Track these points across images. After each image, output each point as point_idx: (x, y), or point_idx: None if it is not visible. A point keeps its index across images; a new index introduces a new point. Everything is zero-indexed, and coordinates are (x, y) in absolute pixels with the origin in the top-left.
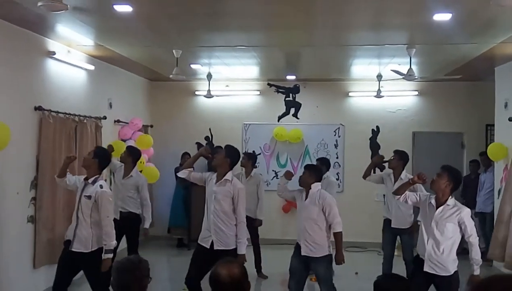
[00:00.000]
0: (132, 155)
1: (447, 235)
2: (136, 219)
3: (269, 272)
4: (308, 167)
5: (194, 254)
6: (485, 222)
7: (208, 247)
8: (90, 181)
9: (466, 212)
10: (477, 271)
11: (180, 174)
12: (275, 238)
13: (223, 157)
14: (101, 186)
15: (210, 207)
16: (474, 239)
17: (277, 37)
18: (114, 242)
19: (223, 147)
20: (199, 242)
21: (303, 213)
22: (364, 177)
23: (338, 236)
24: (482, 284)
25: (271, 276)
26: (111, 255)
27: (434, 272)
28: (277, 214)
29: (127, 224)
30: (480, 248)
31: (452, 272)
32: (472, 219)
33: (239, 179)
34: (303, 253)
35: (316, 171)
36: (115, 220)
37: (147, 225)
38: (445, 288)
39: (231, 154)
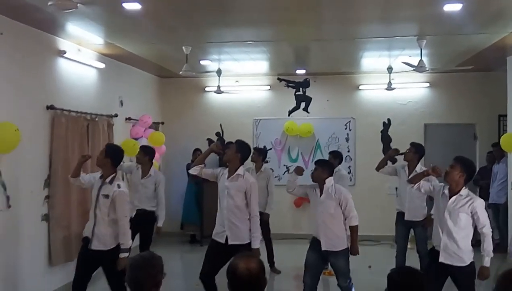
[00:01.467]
0: (148, 154)
1: (460, 225)
2: (151, 216)
3: (282, 266)
4: (320, 163)
5: (208, 249)
6: (498, 214)
7: (223, 242)
8: (107, 180)
9: (479, 202)
10: (487, 263)
11: (191, 171)
12: (287, 233)
13: (234, 152)
14: (118, 186)
15: (223, 202)
16: (487, 230)
17: (286, 32)
18: (131, 242)
19: (234, 143)
20: (213, 237)
21: (320, 208)
22: (378, 169)
23: (354, 229)
24: (505, 273)
25: (284, 271)
26: (127, 254)
27: (449, 263)
28: (289, 208)
29: (142, 222)
30: (493, 239)
31: (468, 263)
32: (486, 210)
33: None
34: (323, 248)
35: (329, 165)
36: (130, 218)
37: (160, 223)
38: (462, 279)
39: (242, 149)
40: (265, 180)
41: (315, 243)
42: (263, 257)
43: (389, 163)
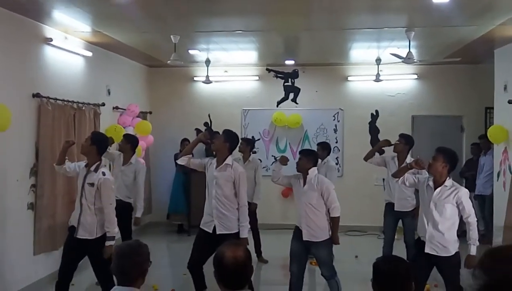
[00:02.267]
0: (131, 142)
1: (446, 215)
2: (128, 208)
3: (270, 256)
4: (304, 153)
5: (196, 239)
6: (484, 205)
7: (211, 231)
8: (92, 168)
9: (464, 192)
10: (473, 251)
11: (179, 161)
12: (275, 223)
13: (222, 142)
14: (103, 173)
15: (211, 192)
16: (472, 219)
17: (275, 22)
18: (117, 229)
19: (222, 132)
20: (201, 226)
21: (302, 198)
22: (366, 158)
23: (335, 220)
24: (490, 251)
25: (272, 261)
26: (113, 242)
27: (435, 253)
28: (277, 198)
29: (118, 213)
30: (479, 230)
31: (453, 253)
32: (472, 201)
33: None
34: (305, 238)
35: (314, 155)
36: None
37: (138, 214)
38: (447, 269)
39: (230, 138)
40: (252, 170)
41: (298, 232)
42: (251, 246)
43: (376, 153)
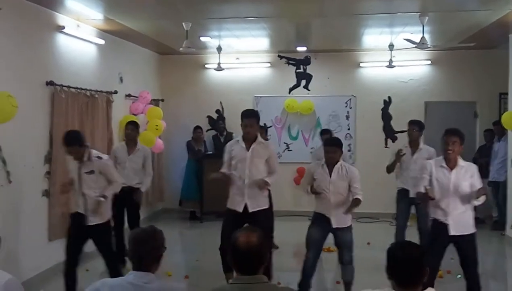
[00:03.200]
0: (138, 128)
1: (466, 194)
2: (138, 192)
3: (282, 243)
4: (336, 143)
5: (226, 220)
6: (498, 191)
7: (241, 210)
8: (84, 158)
9: (474, 166)
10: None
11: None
12: (287, 210)
13: (256, 124)
14: (99, 157)
15: (243, 172)
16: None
17: (287, 8)
18: (111, 194)
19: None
20: (229, 207)
21: (330, 187)
22: (390, 171)
23: (358, 201)
24: None
25: (283, 247)
26: (102, 199)
27: (461, 233)
28: (289, 186)
29: (128, 198)
30: (492, 217)
31: (475, 230)
32: (486, 188)
33: None
34: (334, 226)
35: (341, 144)
36: (116, 195)
37: (143, 189)
38: (470, 247)
39: (257, 115)
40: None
41: (321, 220)
42: None
43: (390, 155)
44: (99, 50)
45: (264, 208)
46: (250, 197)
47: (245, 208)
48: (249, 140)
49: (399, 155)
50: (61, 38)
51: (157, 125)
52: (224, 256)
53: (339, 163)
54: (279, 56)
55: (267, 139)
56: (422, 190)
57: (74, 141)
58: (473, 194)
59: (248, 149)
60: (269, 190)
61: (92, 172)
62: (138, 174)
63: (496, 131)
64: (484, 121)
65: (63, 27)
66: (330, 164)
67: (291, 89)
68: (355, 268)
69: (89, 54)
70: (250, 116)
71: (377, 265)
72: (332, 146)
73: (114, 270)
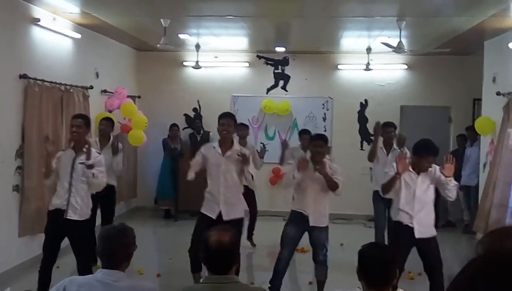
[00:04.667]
0: (113, 124)
1: (430, 198)
2: (111, 190)
3: (256, 242)
4: (323, 139)
5: (198, 225)
6: (469, 196)
7: (215, 218)
8: (84, 149)
9: (437, 168)
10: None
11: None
12: (262, 210)
13: (233, 126)
14: (98, 152)
15: (217, 179)
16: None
17: (266, 8)
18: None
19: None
20: (203, 212)
21: (313, 184)
22: (371, 160)
23: (335, 184)
24: (490, 231)
25: (258, 247)
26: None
27: (426, 236)
28: (265, 186)
29: (102, 196)
30: (464, 220)
31: (436, 232)
32: (457, 192)
33: None
34: (312, 224)
35: (328, 140)
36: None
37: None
38: (433, 248)
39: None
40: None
41: (298, 217)
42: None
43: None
44: (75, 44)
45: (239, 217)
46: (225, 204)
47: (220, 215)
48: (225, 144)
49: (378, 126)
50: (36, 31)
51: (146, 123)
52: (193, 258)
53: (324, 159)
54: (257, 56)
55: (245, 137)
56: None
57: (80, 116)
58: (445, 180)
59: (223, 154)
60: (253, 191)
61: (88, 163)
62: (110, 171)
63: (469, 137)
64: (458, 126)
65: (38, 20)
66: (316, 160)
67: (268, 90)
68: (328, 268)
69: (64, 48)
70: (226, 116)
71: (350, 266)
72: (319, 140)
73: (85, 269)
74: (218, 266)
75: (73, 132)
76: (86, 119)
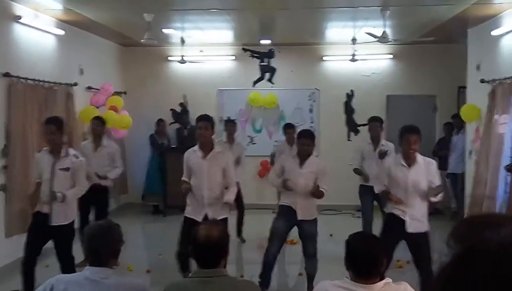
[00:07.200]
0: (104, 124)
1: (423, 190)
2: (105, 191)
3: (245, 235)
4: (310, 136)
5: (184, 228)
6: (456, 183)
7: (201, 220)
8: (62, 153)
9: (433, 163)
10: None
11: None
12: (251, 203)
13: (210, 129)
14: (76, 156)
15: (201, 182)
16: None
17: (250, 0)
18: (71, 196)
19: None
20: (188, 216)
21: (300, 179)
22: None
23: (321, 193)
24: (464, 219)
25: (247, 240)
26: (59, 194)
27: (417, 231)
28: (253, 179)
29: (96, 197)
30: (451, 207)
31: (429, 228)
32: (444, 180)
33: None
34: (300, 218)
35: (315, 137)
36: (85, 196)
37: (110, 175)
38: (425, 243)
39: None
40: (237, 153)
41: (287, 211)
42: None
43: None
44: (59, 41)
45: (225, 216)
46: (210, 206)
47: (205, 217)
48: (205, 147)
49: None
50: (18, 29)
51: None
52: (181, 260)
53: (311, 156)
54: (243, 49)
55: (233, 132)
56: (383, 188)
57: (52, 121)
58: (430, 191)
59: (205, 157)
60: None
61: (67, 169)
62: (106, 170)
63: (455, 125)
64: (444, 115)
65: (20, 17)
66: (302, 156)
67: (255, 83)
68: (318, 260)
69: (48, 45)
70: (203, 119)
71: (339, 257)
72: (307, 138)
73: (69, 272)
74: (206, 260)
75: (46, 139)
76: (58, 123)
